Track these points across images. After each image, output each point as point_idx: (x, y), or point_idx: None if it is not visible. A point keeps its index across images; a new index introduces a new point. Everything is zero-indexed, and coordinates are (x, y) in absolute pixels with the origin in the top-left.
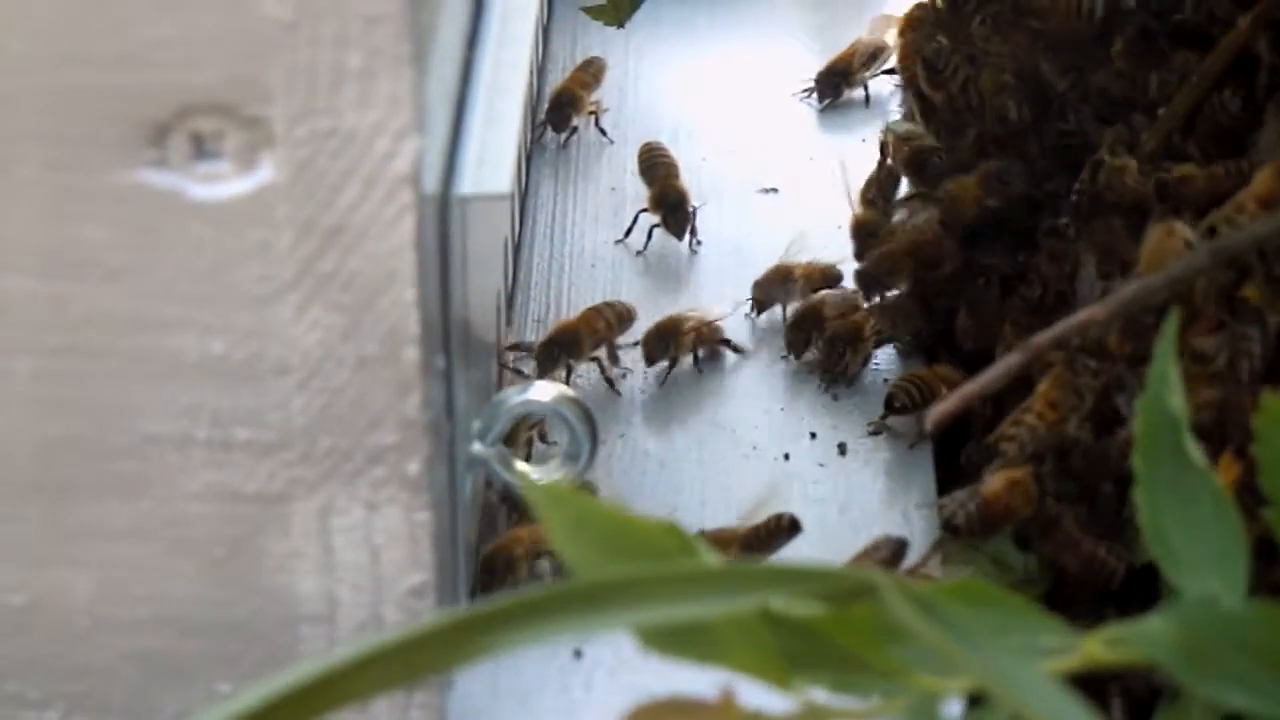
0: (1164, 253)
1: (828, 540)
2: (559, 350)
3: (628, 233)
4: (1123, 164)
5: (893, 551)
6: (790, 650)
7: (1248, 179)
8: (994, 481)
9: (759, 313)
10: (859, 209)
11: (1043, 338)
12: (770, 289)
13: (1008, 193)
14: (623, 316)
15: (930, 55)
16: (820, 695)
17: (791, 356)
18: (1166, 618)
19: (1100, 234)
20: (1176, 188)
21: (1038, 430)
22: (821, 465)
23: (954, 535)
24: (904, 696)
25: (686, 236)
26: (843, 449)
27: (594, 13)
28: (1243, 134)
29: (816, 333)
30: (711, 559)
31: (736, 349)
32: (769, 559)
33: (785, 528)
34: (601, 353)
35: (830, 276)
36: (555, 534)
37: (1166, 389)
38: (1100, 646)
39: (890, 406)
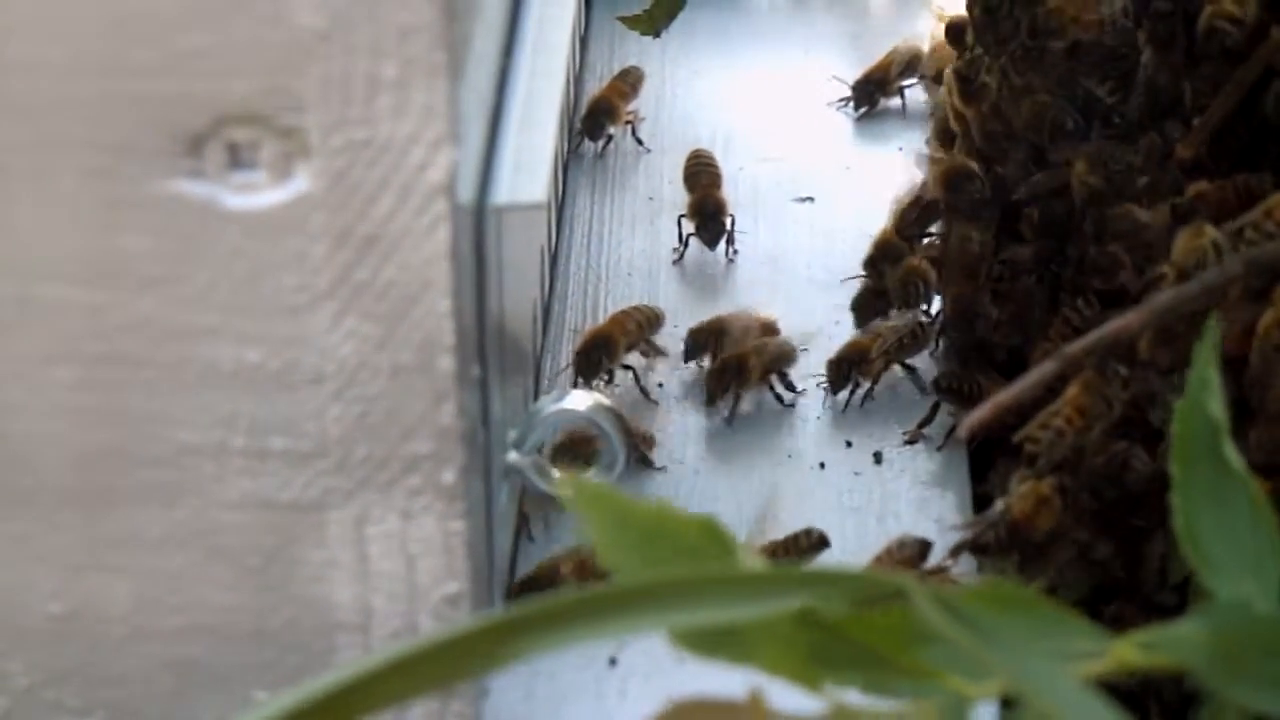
0: (1192, 253)
1: (865, 550)
2: (597, 354)
3: (681, 254)
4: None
5: (918, 551)
6: (821, 651)
7: (1261, 193)
8: (1021, 501)
9: None
10: (890, 226)
11: (1077, 346)
12: None
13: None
14: (651, 320)
15: (963, 69)
16: (851, 697)
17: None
18: (1199, 621)
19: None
20: (1191, 207)
21: (1065, 435)
22: (857, 474)
23: (984, 555)
24: (934, 699)
25: (722, 245)
26: (878, 458)
27: (630, 22)
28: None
29: (856, 371)
30: (749, 559)
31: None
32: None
33: (814, 544)
34: (635, 360)
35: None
36: (593, 533)
37: (1206, 394)
38: (1131, 650)
39: (939, 388)
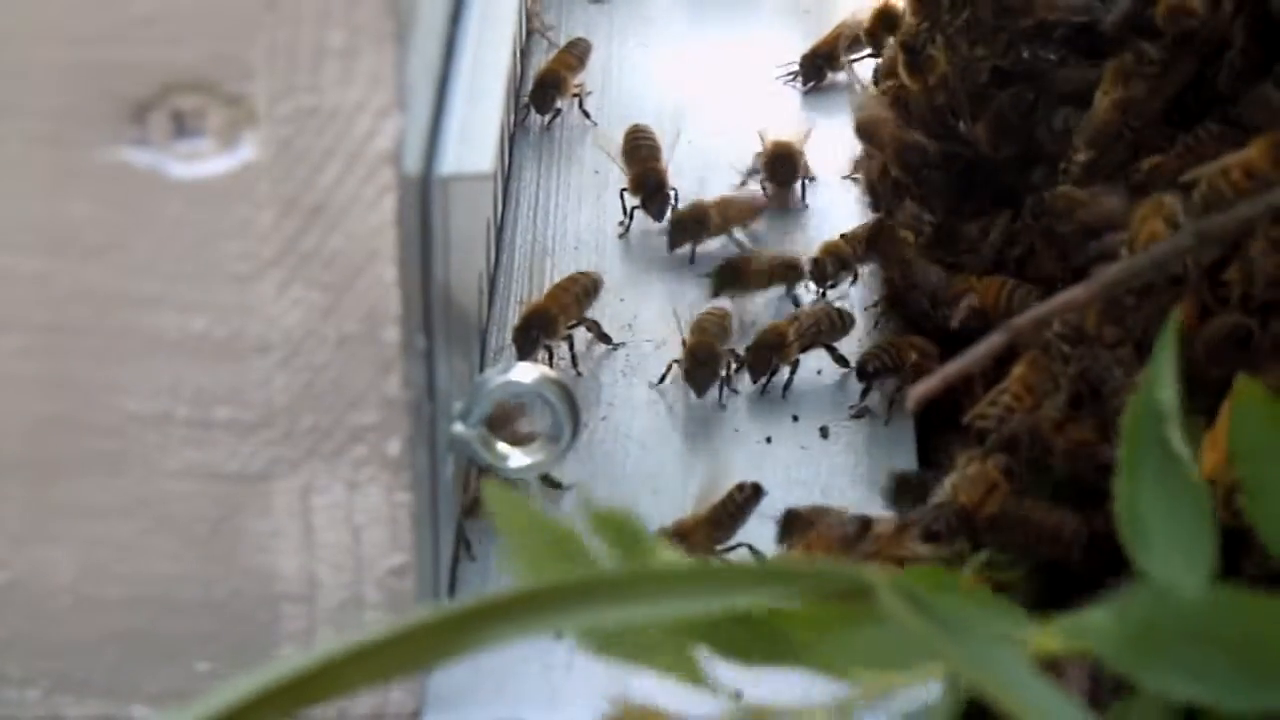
0: (1151, 224)
1: None
2: (535, 332)
3: (627, 227)
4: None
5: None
6: (738, 642)
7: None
8: (970, 486)
9: None
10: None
11: (1024, 318)
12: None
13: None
14: (589, 289)
15: (909, 41)
16: (761, 692)
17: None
18: (1111, 608)
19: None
20: (1149, 178)
21: (1014, 412)
22: (804, 448)
23: (934, 541)
24: (839, 696)
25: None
26: (824, 432)
27: None
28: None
29: (776, 356)
30: (667, 556)
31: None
32: (742, 527)
33: (750, 495)
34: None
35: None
36: (510, 544)
37: (1159, 381)
38: (1051, 637)
39: (863, 373)
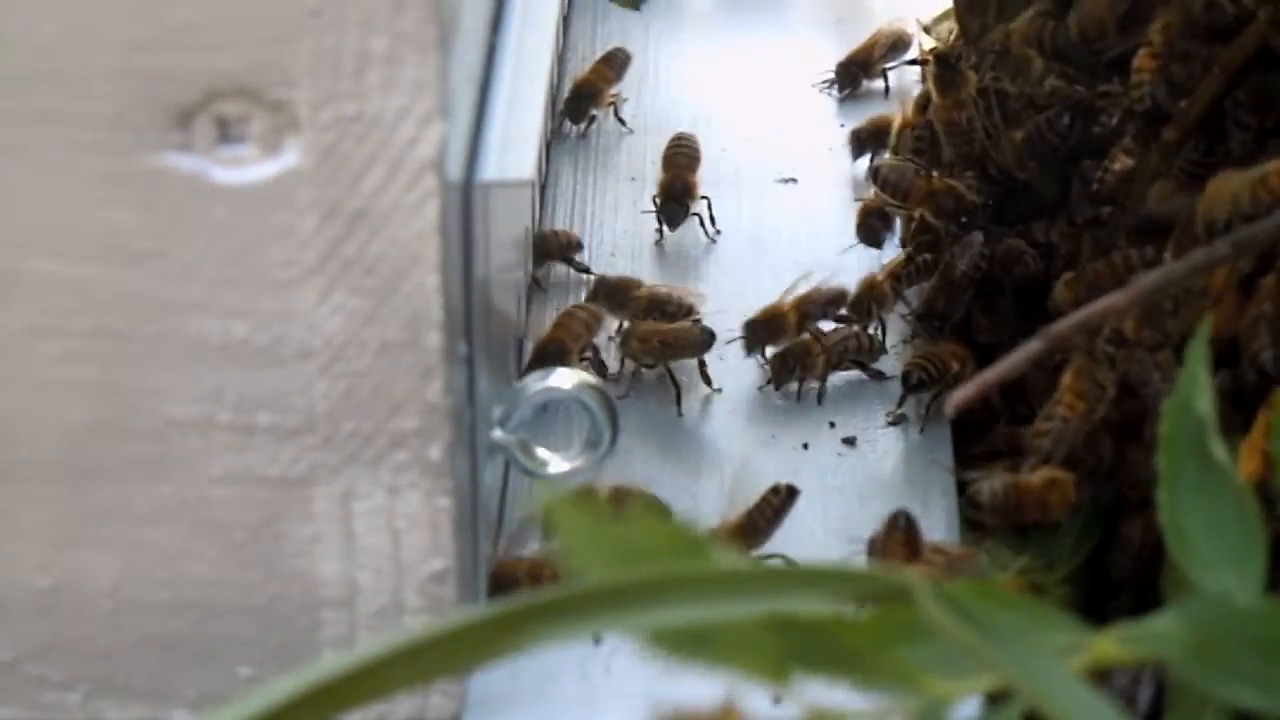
0: (1218, 197)
1: (848, 530)
2: (550, 363)
3: (663, 234)
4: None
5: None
6: (798, 651)
7: None
8: (1033, 477)
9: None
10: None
11: (1062, 325)
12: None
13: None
14: (596, 316)
15: (945, 53)
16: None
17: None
18: (1177, 615)
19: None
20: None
21: (1069, 422)
22: (840, 455)
23: (975, 511)
24: (915, 700)
25: (704, 226)
26: (852, 442)
27: None
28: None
29: (800, 366)
30: (728, 560)
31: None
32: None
33: (785, 498)
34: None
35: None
36: (569, 550)
37: (1195, 390)
38: (1111, 644)
39: (907, 384)
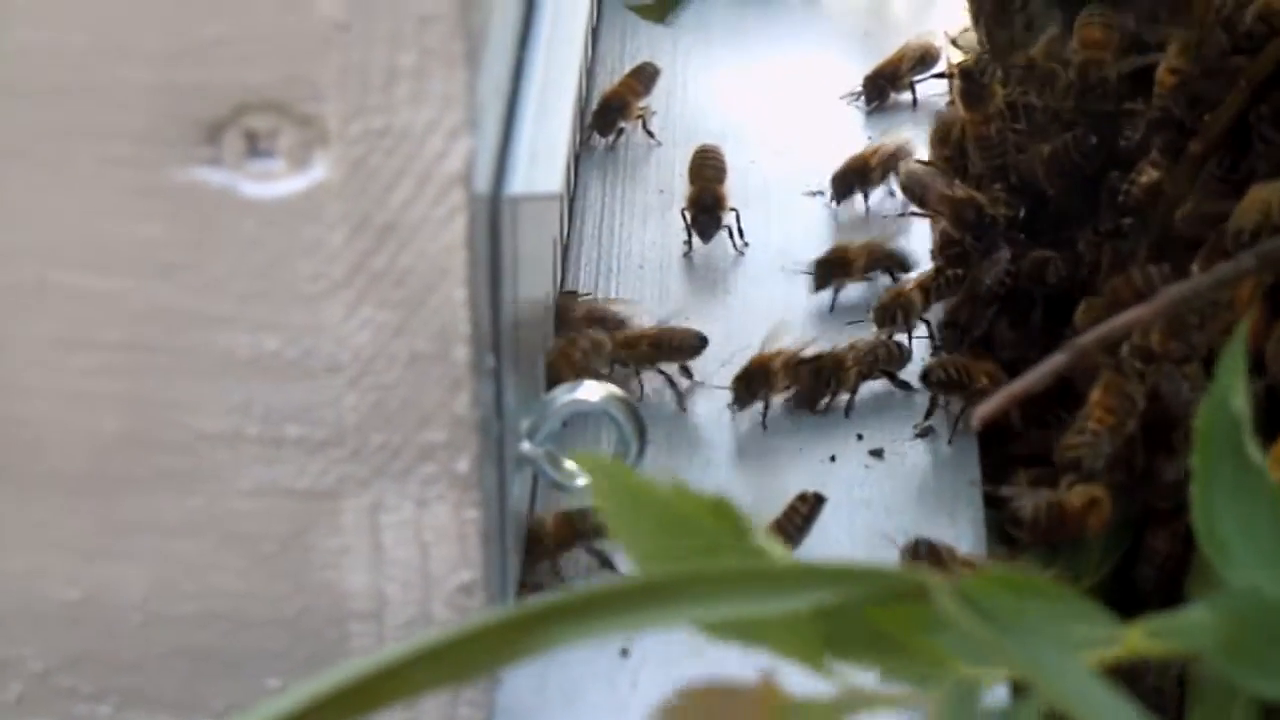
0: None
1: (875, 542)
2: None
3: (691, 246)
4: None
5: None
6: (835, 637)
7: None
8: (1073, 496)
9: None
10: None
11: (1087, 338)
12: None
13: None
14: (599, 345)
15: (971, 67)
16: (864, 682)
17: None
18: (1208, 608)
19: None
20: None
21: (1101, 437)
22: (867, 467)
23: (1015, 528)
24: (945, 684)
25: (733, 238)
26: (879, 454)
27: (640, 10)
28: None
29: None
30: (764, 542)
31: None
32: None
33: (814, 505)
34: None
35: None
36: (607, 510)
37: (1230, 389)
38: (1142, 637)
39: (927, 380)
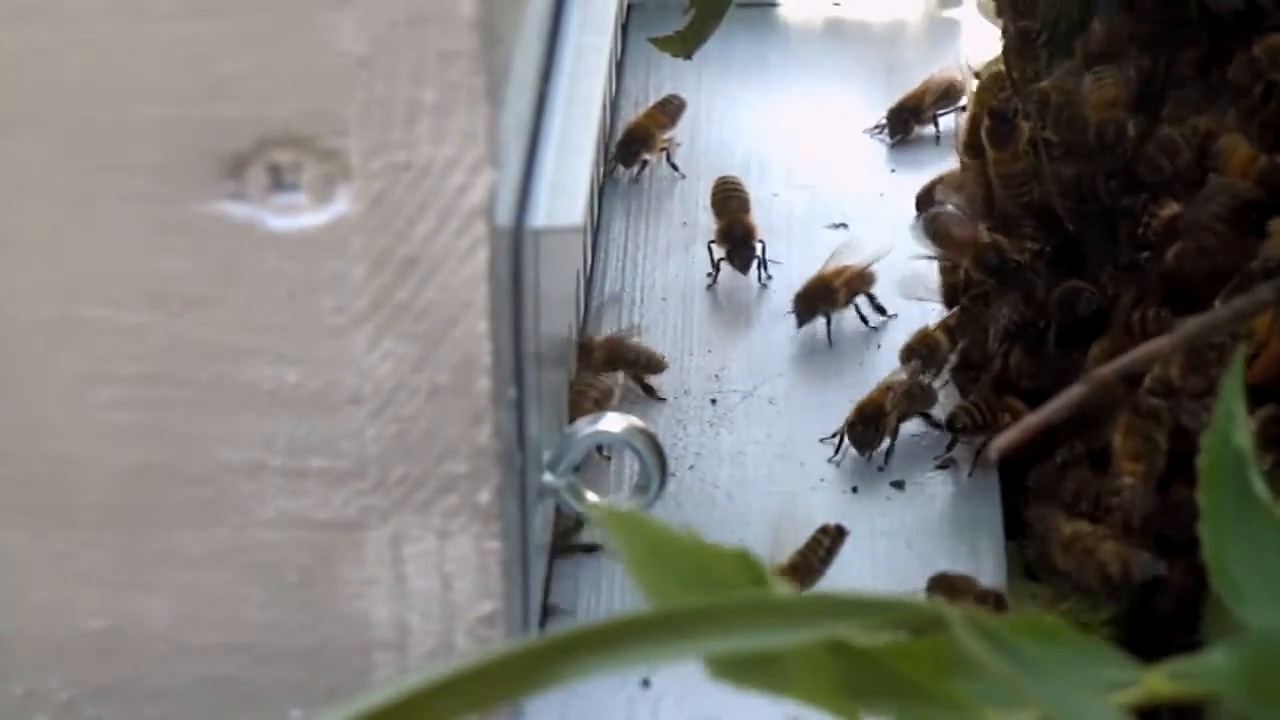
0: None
1: (896, 574)
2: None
3: (714, 279)
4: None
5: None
6: (855, 680)
7: None
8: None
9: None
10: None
11: (1107, 369)
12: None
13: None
14: (607, 393)
15: (1000, 106)
16: None
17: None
18: (1229, 650)
19: None
20: None
21: (1137, 489)
22: (889, 499)
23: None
24: None
25: (756, 270)
26: (900, 485)
27: (662, 44)
28: None
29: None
30: (783, 588)
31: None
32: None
33: (835, 538)
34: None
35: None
36: (628, 561)
37: (1232, 424)
38: (1163, 680)
39: (952, 426)
